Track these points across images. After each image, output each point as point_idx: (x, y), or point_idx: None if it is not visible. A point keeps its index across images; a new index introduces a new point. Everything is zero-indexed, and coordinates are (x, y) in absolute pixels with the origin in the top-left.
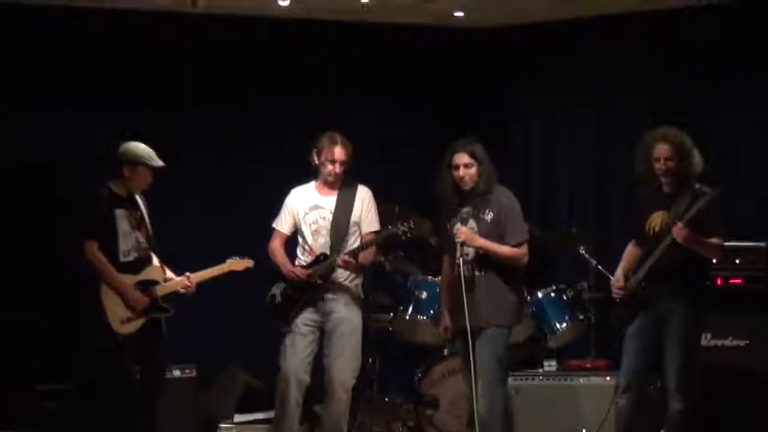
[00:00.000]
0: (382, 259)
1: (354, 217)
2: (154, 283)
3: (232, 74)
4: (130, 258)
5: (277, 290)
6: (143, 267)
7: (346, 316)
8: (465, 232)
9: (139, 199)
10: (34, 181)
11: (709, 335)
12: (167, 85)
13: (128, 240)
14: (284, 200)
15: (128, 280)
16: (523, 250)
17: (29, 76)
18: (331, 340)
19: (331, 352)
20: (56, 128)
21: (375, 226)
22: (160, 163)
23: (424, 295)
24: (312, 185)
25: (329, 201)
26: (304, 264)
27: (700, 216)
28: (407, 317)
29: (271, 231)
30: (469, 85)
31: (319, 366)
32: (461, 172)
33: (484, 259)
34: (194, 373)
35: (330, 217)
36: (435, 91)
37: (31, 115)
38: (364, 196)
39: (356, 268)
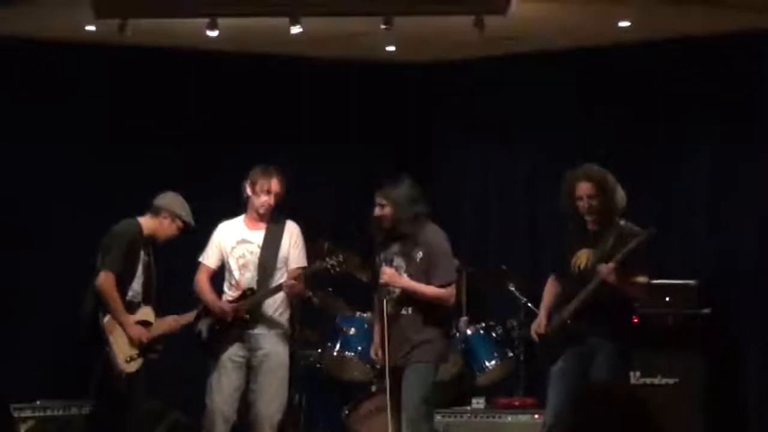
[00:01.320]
0: (311, 294)
1: (282, 252)
2: (148, 324)
3: (157, 108)
4: (134, 299)
5: (203, 326)
6: (138, 308)
7: (273, 351)
8: (388, 273)
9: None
10: None
11: (638, 373)
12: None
13: (138, 282)
14: (211, 234)
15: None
16: (450, 290)
17: None
18: (257, 375)
19: (257, 388)
20: None
21: (302, 262)
22: (193, 223)
23: (352, 331)
24: (240, 219)
25: (257, 235)
26: (231, 299)
27: (630, 256)
28: (335, 353)
29: (197, 265)
30: (399, 120)
31: (244, 401)
32: (377, 211)
33: (409, 297)
34: None
35: (258, 251)
36: (364, 125)
37: None
38: (292, 231)
39: (298, 293)
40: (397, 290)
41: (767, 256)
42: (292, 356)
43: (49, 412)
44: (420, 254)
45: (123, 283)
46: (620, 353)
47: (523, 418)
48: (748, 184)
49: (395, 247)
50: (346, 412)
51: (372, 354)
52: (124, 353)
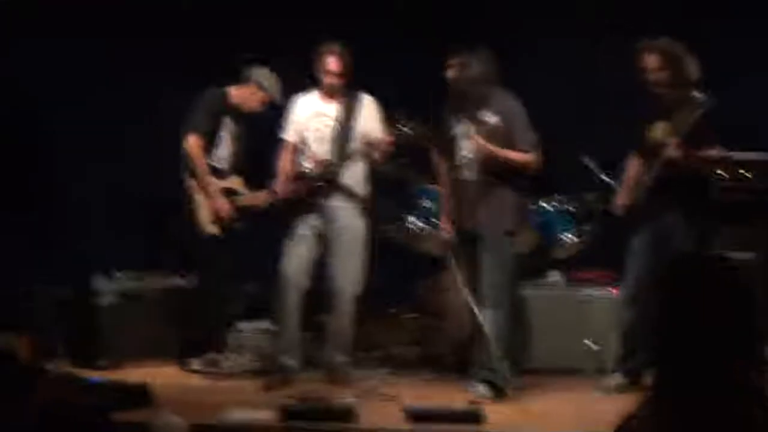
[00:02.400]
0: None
1: (358, 125)
2: (235, 193)
3: None
4: (220, 165)
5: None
6: (228, 176)
7: (350, 224)
8: (479, 142)
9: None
10: None
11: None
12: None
13: (224, 148)
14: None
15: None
16: (534, 155)
17: None
18: (334, 248)
19: (334, 261)
20: None
21: (380, 133)
22: (281, 101)
23: (428, 203)
24: (315, 93)
25: (333, 109)
26: (306, 170)
27: (695, 129)
28: (410, 225)
29: (279, 141)
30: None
31: (322, 274)
32: (450, 73)
33: (488, 162)
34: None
35: (333, 124)
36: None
37: None
38: (368, 105)
39: (377, 153)
40: (472, 156)
41: None
42: (371, 230)
43: (129, 285)
44: (495, 119)
45: (205, 148)
46: (698, 231)
47: (600, 291)
48: None
49: (466, 113)
50: (424, 285)
51: (442, 224)
52: (209, 213)
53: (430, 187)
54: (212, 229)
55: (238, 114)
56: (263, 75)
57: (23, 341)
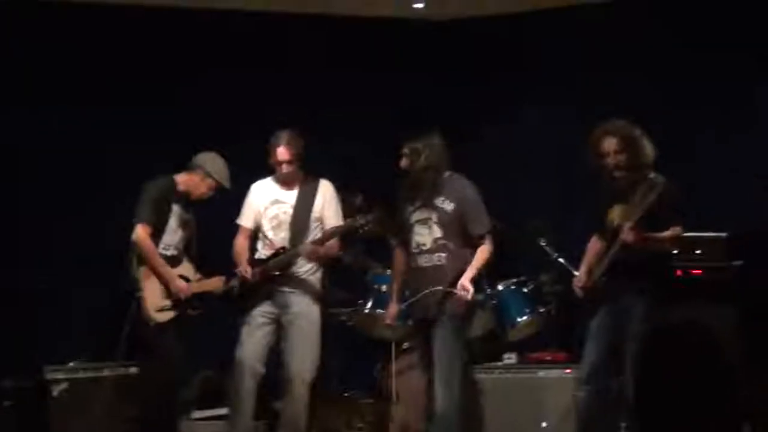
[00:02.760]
0: (341, 253)
1: (315, 212)
2: (187, 279)
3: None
4: (167, 252)
5: (236, 282)
6: (177, 264)
7: (304, 310)
8: (463, 292)
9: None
10: None
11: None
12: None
13: (171, 236)
14: (246, 196)
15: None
16: (489, 241)
17: None
18: (288, 333)
19: (289, 347)
20: None
21: (337, 221)
22: (228, 186)
23: (384, 288)
24: (272, 179)
25: (290, 195)
26: (264, 257)
27: (653, 209)
28: (366, 311)
29: (236, 228)
30: (427, 79)
31: (276, 361)
32: (403, 162)
33: (443, 248)
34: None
35: (291, 211)
36: (393, 84)
37: None
38: (325, 192)
39: (320, 258)
40: (428, 243)
41: None
42: (324, 315)
43: (81, 374)
44: (452, 206)
45: (154, 237)
46: (651, 312)
47: (555, 372)
48: None
49: (420, 200)
50: (378, 370)
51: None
52: (155, 302)
53: (387, 273)
54: (160, 317)
55: (187, 201)
56: (209, 161)
57: None
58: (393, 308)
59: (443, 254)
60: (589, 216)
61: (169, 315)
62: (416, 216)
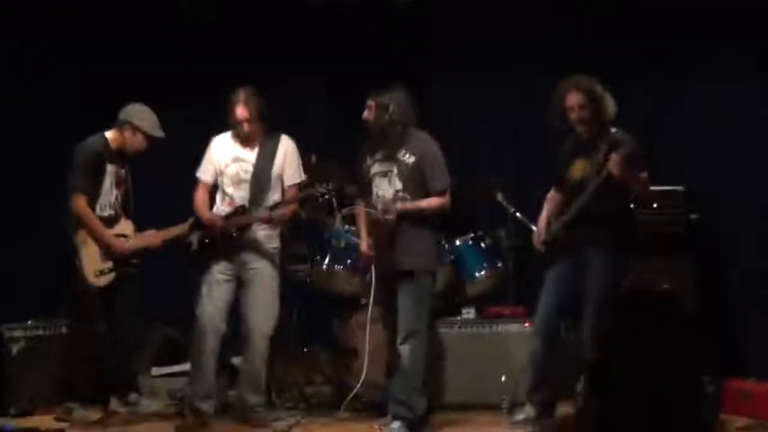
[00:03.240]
0: (300, 213)
1: (276, 169)
2: (125, 236)
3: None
4: (105, 213)
5: (194, 238)
6: (115, 223)
7: (262, 267)
8: (382, 208)
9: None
10: None
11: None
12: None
13: (107, 196)
14: (206, 149)
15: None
16: (446, 198)
17: None
18: (247, 289)
19: (248, 303)
20: None
21: (297, 178)
22: (160, 134)
23: (341, 244)
24: (232, 136)
25: (250, 153)
26: (223, 214)
27: (629, 159)
28: (324, 267)
29: (195, 181)
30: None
31: (235, 317)
32: (366, 114)
33: (402, 201)
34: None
35: (251, 170)
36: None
37: None
38: (287, 148)
39: (275, 224)
40: (389, 196)
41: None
42: (282, 271)
43: (38, 332)
44: (412, 159)
45: (92, 198)
46: (617, 266)
47: (513, 326)
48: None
49: (383, 153)
50: (338, 325)
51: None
52: (93, 267)
53: (344, 228)
54: (99, 281)
55: (122, 158)
56: (137, 113)
57: None
58: (364, 247)
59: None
60: (546, 169)
61: (108, 278)
62: (377, 168)
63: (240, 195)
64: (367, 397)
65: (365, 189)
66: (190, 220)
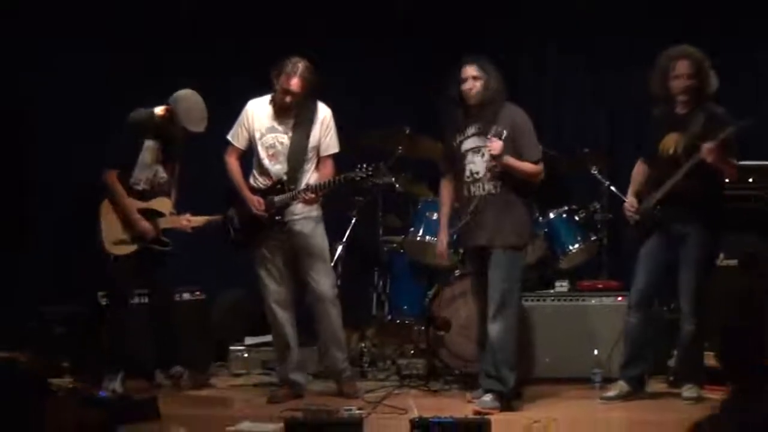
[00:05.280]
0: (393, 180)
1: (312, 140)
2: (159, 214)
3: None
4: (138, 187)
5: (234, 215)
6: (152, 197)
7: (310, 232)
8: (497, 146)
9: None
10: None
11: (721, 255)
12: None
13: (144, 170)
14: (241, 113)
15: (133, 204)
16: (540, 167)
17: None
18: (302, 260)
19: (307, 272)
20: None
21: (334, 148)
22: (197, 129)
23: (434, 216)
24: (270, 103)
25: (287, 123)
26: (262, 187)
27: (728, 140)
28: (417, 238)
29: (226, 143)
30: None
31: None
32: (468, 84)
33: (497, 176)
34: (204, 296)
35: (288, 142)
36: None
37: None
38: (323, 118)
39: (314, 201)
40: (482, 170)
41: None
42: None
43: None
44: (505, 133)
45: (123, 174)
46: (710, 240)
47: (607, 300)
48: None
49: (476, 127)
50: (430, 297)
51: (441, 240)
52: (112, 236)
53: (437, 200)
54: (116, 249)
55: (167, 136)
56: (182, 100)
57: (29, 359)
58: (443, 236)
59: (498, 182)
60: (640, 142)
61: (129, 249)
62: (469, 144)
63: (277, 169)
64: (459, 370)
65: (455, 165)
66: (230, 193)
